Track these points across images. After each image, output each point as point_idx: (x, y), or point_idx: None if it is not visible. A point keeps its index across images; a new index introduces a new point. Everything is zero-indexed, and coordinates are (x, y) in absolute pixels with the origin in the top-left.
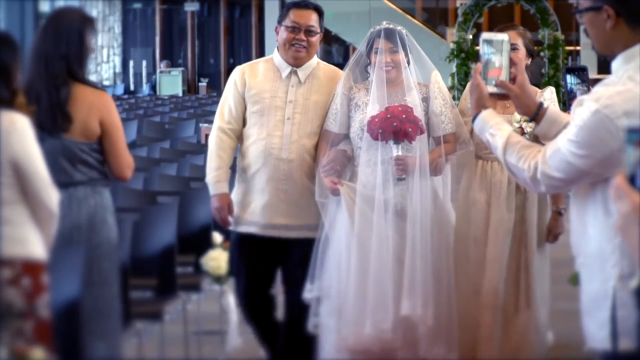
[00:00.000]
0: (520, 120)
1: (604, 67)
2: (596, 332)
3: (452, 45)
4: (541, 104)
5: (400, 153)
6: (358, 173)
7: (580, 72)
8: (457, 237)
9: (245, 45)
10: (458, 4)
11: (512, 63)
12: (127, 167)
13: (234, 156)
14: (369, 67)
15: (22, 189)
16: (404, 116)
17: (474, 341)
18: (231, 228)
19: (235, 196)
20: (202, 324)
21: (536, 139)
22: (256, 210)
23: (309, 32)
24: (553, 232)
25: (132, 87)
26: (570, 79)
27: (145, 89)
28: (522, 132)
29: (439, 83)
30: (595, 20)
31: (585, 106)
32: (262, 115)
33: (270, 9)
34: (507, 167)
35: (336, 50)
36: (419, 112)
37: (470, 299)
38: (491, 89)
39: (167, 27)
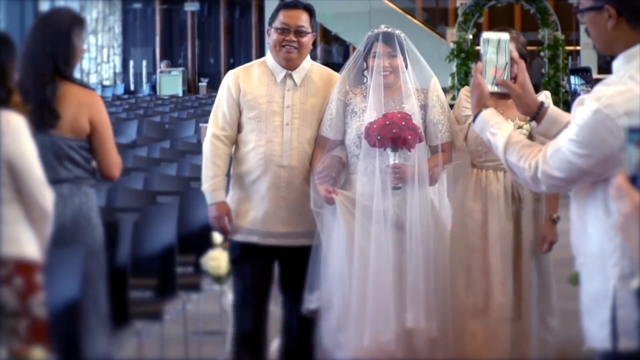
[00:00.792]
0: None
1: (605, 67)
2: (596, 331)
3: (452, 45)
4: (542, 104)
5: (397, 161)
6: (354, 181)
7: (584, 73)
8: (453, 246)
9: (245, 45)
10: (458, 4)
11: (513, 62)
12: (116, 166)
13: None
14: (366, 71)
15: (17, 189)
16: (403, 123)
17: (481, 352)
18: (230, 237)
19: (230, 204)
20: (202, 324)
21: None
22: (257, 219)
23: (299, 32)
24: (547, 240)
25: (132, 87)
26: (575, 80)
27: (146, 88)
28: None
29: (437, 91)
30: (596, 20)
31: (586, 106)
32: (260, 121)
33: (270, 9)
34: (508, 166)
35: (336, 50)
36: (417, 120)
37: (471, 310)
38: (492, 88)
39: (167, 27)
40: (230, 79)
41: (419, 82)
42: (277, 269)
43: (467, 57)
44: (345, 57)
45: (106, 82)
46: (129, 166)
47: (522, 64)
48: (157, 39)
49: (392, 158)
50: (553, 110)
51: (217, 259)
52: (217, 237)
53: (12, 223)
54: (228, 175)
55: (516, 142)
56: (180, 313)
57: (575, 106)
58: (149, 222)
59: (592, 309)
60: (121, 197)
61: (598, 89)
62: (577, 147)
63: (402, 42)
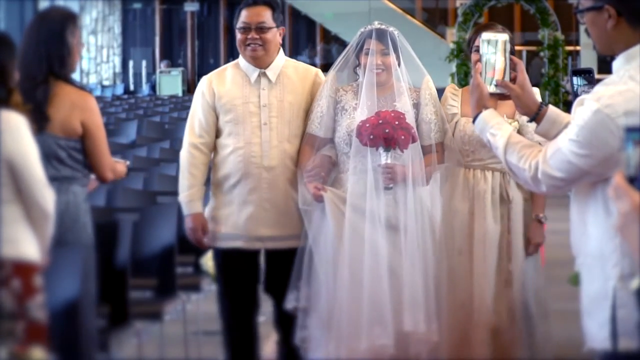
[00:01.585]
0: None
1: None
2: (596, 332)
3: (452, 45)
4: (542, 104)
5: (389, 161)
6: (343, 180)
7: (586, 74)
8: (440, 248)
9: None
10: (458, 4)
11: (512, 63)
12: (108, 168)
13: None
14: (358, 68)
15: (17, 189)
16: (396, 122)
17: (464, 356)
18: (214, 245)
19: (212, 210)
20: (202, 324)
21: None
22: (239, 223)
23: (260, 29)
24: (533, 241)
25: (131, 87)
26: (577, 81)
27: (145, 89)
28: None
29: (430, 89)
30: (596, 20)
31: (586, 106)
32: (237, 124)
33: None
34: (508, 167)
35: (336, 50)
36: (410, 119)
37: (457, 313)
38: (492, 89)
39: (167, 27)
40: (203, 85)
41: (412, 80)
42: (264, 271)
43: (467, 57)
44: None
45: (106, 82)
46: (129, 166)
47: (522, 64)
48: (157, 39)
49: (384, 158)
50: (553, 110)
51: None
52: None
53: (12, 223)
54: (208, 182)
55: (516, 142)
56: (180, 313)
57: (575, 106)
58: (149, 223)
59: (592, 309)
60: (121, 198)
61: (598, 89)
62: (577, 147)
63: (395, 39)
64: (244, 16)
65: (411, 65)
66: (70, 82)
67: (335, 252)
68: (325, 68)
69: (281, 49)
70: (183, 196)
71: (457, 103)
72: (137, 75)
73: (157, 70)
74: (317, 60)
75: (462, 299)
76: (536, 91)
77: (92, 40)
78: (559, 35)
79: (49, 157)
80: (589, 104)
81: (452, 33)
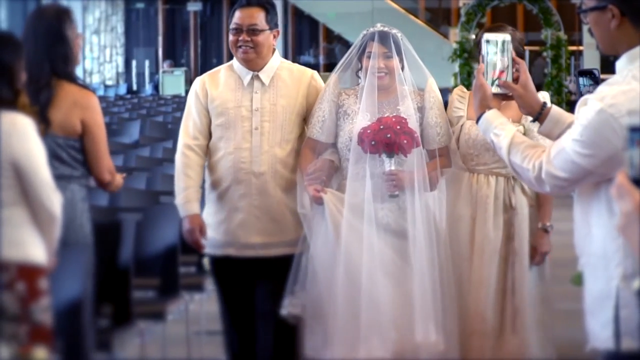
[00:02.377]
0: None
1: (608, 67)
2: (599, 331)
3: (455, 45)
4: (544, 104)
5: (393, 167)
6: (346, 187)
7: (592, 74)
8: (447, 254)
9: None
10: (461, 4)
11: (514, 63)
12: (106, 170)
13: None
14: (360, 71)
15: (23, 191)
16: (398, 127)
17: None
18: (206, 251)
19: (206, 217)
20: (205, 324)
21: None
22: (230, 230)
23: (252, 31)
24: (539, 250)
25: (134, 87)
26: (583, 81)
27: (148, 88)
28: None
29: (434, 92)
30: (599, 19)
31: (590, 105)
32: (228, 128)
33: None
34: (511, 167)
35: (339, 50)
36: (413, 123)
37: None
38: (494, 89)
39: (170, 26)
40: (197, 86)
41: (416, 83)
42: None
43: (469, 57)
44: None
45: (109, 82)
46: (132, 166)
47: (524, 64)
48: (160, 38)
49: (388, 164)
50: (556, 110)
51: None
52: None
53: (17, 226)
54: (203, 185)
55: (520, 142)
56: (182, 313)
57: (578, 106)
58: (152, 222)
59: (595, 309)
60: (124, 197)
61: (601, 88)
62: (581, 147)
63: (399, 41)
64: (236, 17)
65: (414, 66)
66: (74, 80)
67: (334, 256)
68: (329, 67)
69: (277, 51)
70: (179, 198)
71: (464, 106)
72: (140, 75)
73: (160, 70)
74: (321, 59)
75: (460, 306)
76: (545, 95)
77: (95, 40)
78: (562, 35)
79: (47, 156)
80: (593, 104)
81: (455, 33)
